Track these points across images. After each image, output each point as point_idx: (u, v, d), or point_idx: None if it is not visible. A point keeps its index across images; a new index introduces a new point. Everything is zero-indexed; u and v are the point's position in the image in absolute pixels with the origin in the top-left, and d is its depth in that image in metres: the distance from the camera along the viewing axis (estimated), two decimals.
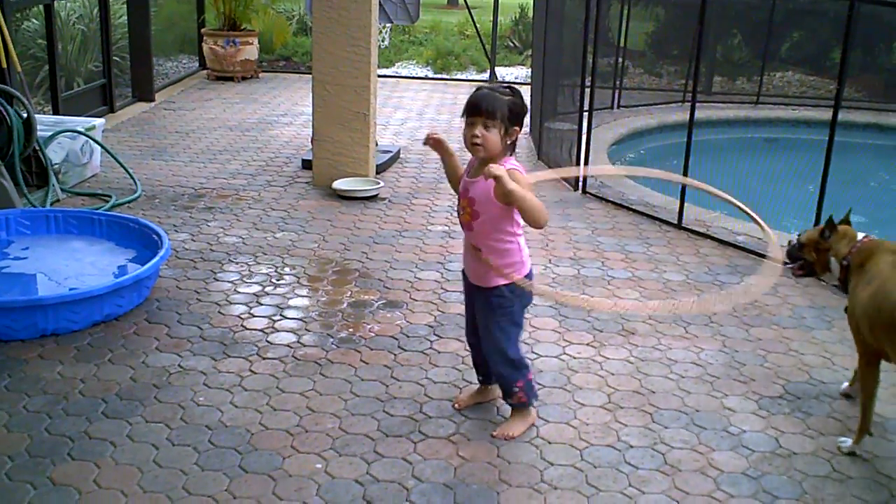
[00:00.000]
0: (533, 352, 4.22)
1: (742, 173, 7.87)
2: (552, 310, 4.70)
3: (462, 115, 3.27)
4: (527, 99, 9.79)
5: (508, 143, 3.21)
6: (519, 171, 3.14)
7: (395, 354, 4.14)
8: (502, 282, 3.31)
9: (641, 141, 9.51)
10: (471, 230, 3.31)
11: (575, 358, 4.19)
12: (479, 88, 3.24)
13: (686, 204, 6.10)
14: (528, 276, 3.36)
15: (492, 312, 3.38)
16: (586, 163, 6.91)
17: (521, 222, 3.24)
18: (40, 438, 3.36)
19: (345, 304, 4.69)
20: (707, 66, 11.25)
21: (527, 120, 9.08)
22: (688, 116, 6.08)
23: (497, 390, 3.69)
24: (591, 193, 6.84)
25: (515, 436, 3.47)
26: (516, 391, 3.46)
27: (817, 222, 5.19)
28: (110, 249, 5.09)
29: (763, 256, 5.47)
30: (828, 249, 3.68)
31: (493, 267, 3.28)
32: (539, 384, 3.90)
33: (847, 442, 3.54)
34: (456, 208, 3.45)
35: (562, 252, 5.59)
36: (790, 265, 3.84)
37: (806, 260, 3.78)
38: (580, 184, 6.93)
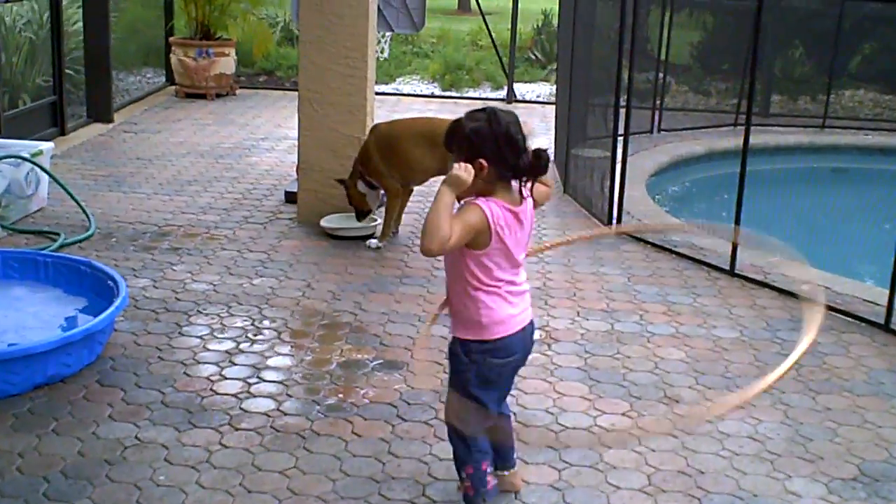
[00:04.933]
0: (558, 423, 4.18)
1: (806, 210, 7.88)
2: (581, 372, 4.68)
3: None
4: (551, 121, 9.90)
5: (480, 178, 3.12)
6: (481, 209, 3.09)
7: (393, 425, 4.10)
8: (459, 334, 3.25)
9: (686, 171, 9.53)
10: (445, 263, 3.32)
11: (609, 431, 4.14)
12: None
13: (740, 247, 6.08)
14: (498, 346, 3.22)
15: (449, 374, 3.34)
16: (621, 196, 6.91)
17: (487, 278, 3.17)
18: None
19: (334, 365, 4.67)
20: (764, 83, 11.30)
21: (551, 147, 9.23)
22: (741, 142, 6.08)
23: (518, 479, 3.64)
24: (626, 233, 6.84)
25: None
26: (463, 478, 3.39)
27: None
28: (57, 297, 5.08)
29: (834, 310, 5.45)
30: (354, 185, 6.41)
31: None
32: (565, 462, 3.86)
33: (374, 241, 6.31)
34: None
35: (593, 303, 5.57)
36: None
37: (352, 197, 6.47)
38: (614, 221, 6.93)
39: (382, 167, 6.29)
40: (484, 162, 3.11)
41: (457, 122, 3.22)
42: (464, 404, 3.29)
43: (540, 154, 3.16)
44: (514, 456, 3.64)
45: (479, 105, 3.32)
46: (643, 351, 4.97)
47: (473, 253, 3.15)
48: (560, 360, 4.80)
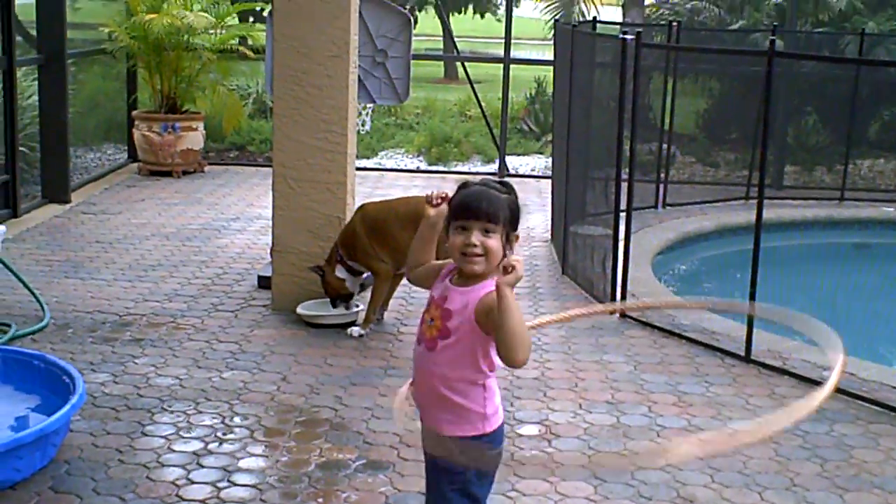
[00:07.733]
0: None
1: (825, 289, 7.91)
2: (585, 470, 4.63)
3: (449, 219, 3.20)
4: (547, 197, 9.96)
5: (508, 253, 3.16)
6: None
7: None
8: (461, 433, 3.16)
9: (695, 249, 9.57)
10: (432, 350, 3.19)
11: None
12: (465, 184, 3.19)
13: (755, 330, 6.09)
14: (496, 435, 3.18)
15: (438, 476, 3.24)
16: (625, 277, 6.92)
17: (493, 364, 3.12)
18: None
19: (312, 466, 4.63)
20: (776, 153, 11.41)
21: (547, 224, 9.28)
22: (753, 217, 6.12)
23: None
24: (631, 318, 6.84)
25: None
26: None
27: None
28: (7, 395, 5.04)
29: (860, 398, 5.45)
30: (332, 271, 6.47)
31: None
32: None
33: (356, 329, 6.33)
34: (422, 316, 3.30)
35: (596, 394, 5.55)
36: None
37: (329, 284, 6.54)
38: (618, 300, 6.93)
39: (371, 249, 6.35)
40: (517, 235, 3.16)
41: (492, 191, 3.13)
42: None
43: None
44: None
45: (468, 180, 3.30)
46: (652, 446, 4.93)
47: (487, 337, 3.09)
48: (562, 457, 4.76)
